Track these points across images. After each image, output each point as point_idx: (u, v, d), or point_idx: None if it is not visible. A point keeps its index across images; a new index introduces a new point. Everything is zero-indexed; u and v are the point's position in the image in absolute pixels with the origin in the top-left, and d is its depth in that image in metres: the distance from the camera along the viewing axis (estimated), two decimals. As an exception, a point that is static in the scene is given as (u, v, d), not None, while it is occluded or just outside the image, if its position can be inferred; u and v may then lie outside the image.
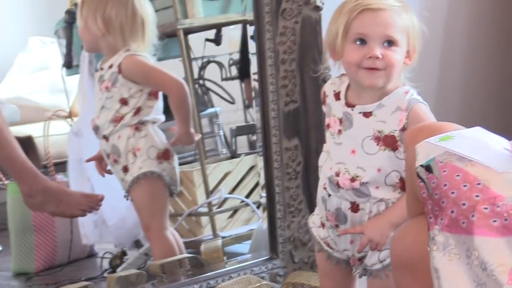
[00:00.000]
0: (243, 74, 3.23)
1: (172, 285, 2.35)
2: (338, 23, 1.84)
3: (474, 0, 3.13)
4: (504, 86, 3.19)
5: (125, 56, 2.41)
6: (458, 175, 1.45)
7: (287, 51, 2.32)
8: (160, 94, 2.49)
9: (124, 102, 2.44)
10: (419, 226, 1.58)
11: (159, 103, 2.50)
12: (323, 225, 2.00)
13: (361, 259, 1.98)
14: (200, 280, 2.36)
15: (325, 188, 1.94)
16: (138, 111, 2.45)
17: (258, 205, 3.00)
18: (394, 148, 1.85)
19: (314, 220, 2.04)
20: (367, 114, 1.88)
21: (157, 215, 2.51)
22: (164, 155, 2.48)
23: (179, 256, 2.47)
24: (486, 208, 1.38)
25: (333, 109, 1.93)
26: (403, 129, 1.84)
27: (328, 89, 1.97)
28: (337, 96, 1.93)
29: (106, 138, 2.49)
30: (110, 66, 2.43)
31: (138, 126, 2.46)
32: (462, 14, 3.13)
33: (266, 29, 2.30)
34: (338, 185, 1.90)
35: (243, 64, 3.18)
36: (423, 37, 1.88)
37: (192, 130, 2.49)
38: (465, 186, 1.42)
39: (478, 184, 1.41)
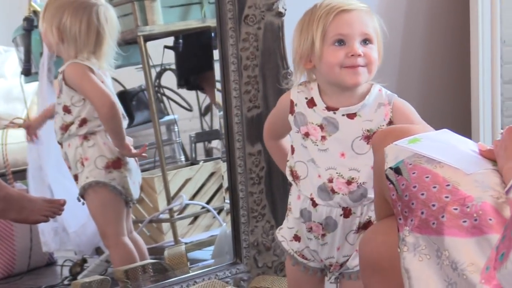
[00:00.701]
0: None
1: (137, 291, 2.33)
2: (312, 30, 1.88)
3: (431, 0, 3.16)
4: (461, 86, 3.22)
5: (69, 63, 2.40)
6: (427, 177, 1.46)
7: (250, 57, 2.33)
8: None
9: (67, 110, 2.42)
10: (387, 228, 1.60)
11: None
12: (296, 238, 2.01)
13: (342, 264, 1.99)
14: (165, 286, 2.36)
15: (312, 199, 1.94)
16: (83, 122, 2.43)
17: (219, 211, 3.00)
18: None
19: (283, 234, 2.04)
20: (351, 116, 1.91)
21: (111, 222, 2.50)
22: (114, 164, 2.46)
23: (143, 262, 2.46)
24: (455, 209, 1.39)
25: (309, 117, 1.94)
26: (390, 122, 1.90)
27: (296, 97, 1.97)
28: (311, 102, 1.94)
29: (60, 144, 2.48)
30: (61, 72, 2.43)
31: (87, 136, 2.44)
32: (420, 15, 3.15)
33: (229, 35, 2.31)
34: (333, 191, 1.90)
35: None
36: (384, 39, 1.92)
37: (127, 142, 2.47)
38: (434, 187, 1.44)
39: (448, 185, 1.43)
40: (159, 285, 2.37)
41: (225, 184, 2.64)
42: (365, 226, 1.94)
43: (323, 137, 1.91)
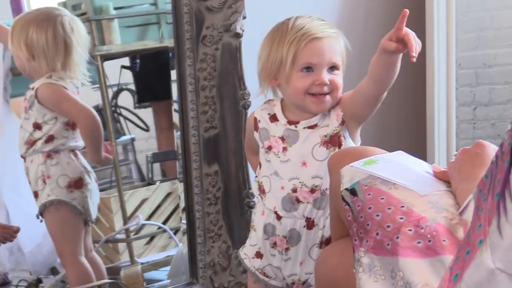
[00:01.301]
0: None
1: (93, 311, 2.33)
2: (281, 52, 1.89)
3: (387, 17, 3.18)
4: (417, 109, 3.25)
5: (43, 82, 2.40)
6: (382, 198, 1.48)
7: (208, 77, 2.33)
8: None
9: (37, 126, 2.42)
10: (343, 248, 1.61)
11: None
12: (258, 255, 2.02)
13: (305, 282, 2.00)
14: (122, 306, 2.35)
15: (275, 212, 1.96)
16: (50, 139, 2.43)
17: (176, 231, 2.99)
18: (340, 145, 1.92)
19: (246, 251, 2.06)
20: (312, 127, 1.94)
21: (69, 241, 2.48)
22: (76, 184, 2.46)
23: (99, 282, 2.46)
24: (410, 230, 1.41)
25: (271, 131, 1.97)
26: (342, 122, 1.93)
27: (259, 114, 2.01)
28: (273, 118, 1.98)
29: (23, 158, 2.47)
30: (32, 88, 2.42)
31: (50, 154, 2.44)
32: (377, 37, 3.18)
33: (187, 56, 2.30)
34: (297, 201, 1.92)
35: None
36: (348, 57, 1.96)
37: (103, 154, 2.50)
38: (389, 208, 1.46)
39: (402, 206, 1.45)
40: (116, 305, 2.35)
41: (182, 204, 2.64)
42: (327, 241, 1.95)
43: (284, 148, 1.94)
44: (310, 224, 1.93)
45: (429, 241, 1.38)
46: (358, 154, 1.62)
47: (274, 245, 1.98)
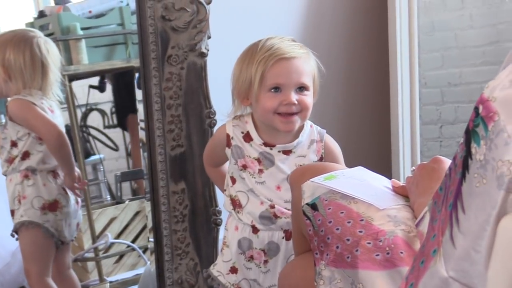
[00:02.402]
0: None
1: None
2: (250, 72, 1.93)
3: (353, 36, 3.21)
4: (382, 127, 3.28)
5: (12, 99, 2.42)
6: (342, 212, 1.50)
7: (173, 96, 2.34)
8: None
9: (13, 144, 2.45)
10: (305, 263, 1.64)
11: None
12: (233, 270, 2.04)
13: None
14: (90, 325, 2.36)
15: (253, 226, 1.98)
16: (26, 155, 2.45)
17: (145, 250, 3.00)
18: None
19: (219, 268, 2.08)
20: (287, 152, 1.98)
21: (37, 262, 2.49)
22: (51, 206, 2.47)
23: (68, 301, 2.46)
24: (369, 243, 1.43)
25: (246, 150, 1.99)
26: (321, 158, 1.99)
27: (231, 131, 2.02)
28: (247, 137, 2.00)
29: (5, 175, 2.49)
30: (6, 108, 2.45)
31: (27, 174, 2.46)
32: (343, 55, 3.21)
33: (153, 75, 2.31)
34: (275, 216, 1.95)
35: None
36: (322, 77, 1.99)
37: (76, 173, 2.51)
38: (349, 222, 1.48)
39: (361, 220, 1.47)
40: (84, 324, 2.36)
41: (150, 224, 2.65)
42: None
43: (260, 170, 1.98)
44: (288, 235, 1.96)
45: (388, 253, 1.40)
46: (319, 170, 1.65)
47: (250, 258, 2.00)
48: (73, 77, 2.90)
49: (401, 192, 1.58)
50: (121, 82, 3.14)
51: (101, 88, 3.23)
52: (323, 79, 3.08)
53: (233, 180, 2.03)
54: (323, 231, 1.50)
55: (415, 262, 1.29)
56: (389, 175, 3.09)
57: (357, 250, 1.43)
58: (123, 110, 3.23)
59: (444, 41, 3.59)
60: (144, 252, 3.01)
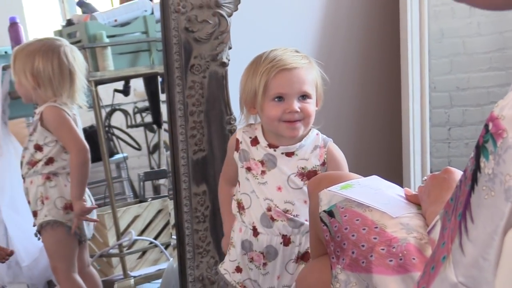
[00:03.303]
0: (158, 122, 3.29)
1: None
2: (255, 83, 1.96)
3: (366, 43, 3.23)
4: (393, 129, 3.29)
5: (48, 105, 2.45)
6: (357, 220, 1.53)
7: (196, 103, 2.36)
8: None
9: (38, 148, 2.48)
10: (322, 266, 1.66)
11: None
12: (238, 269, 2.08)
13: None
14: (115, 319, 2.39)
15: (253, 228, 2.02)
16: (50, 161, 2.48)
17: (167, 246, 3.04)
18: None
19: (226, 267, 2.11)
20: (289, 154, 2.01)
21: (63, 259, 2.53)
22: (72, 206, 2.51)
23: (95, 296, 2.50)
24: (383, 249, 1.46)
25: (252, 153, 2.03)
26: (323, 163, 2.00)
27: (241, 136, 2.06)
28: (255, 141, 2.04)
29: (23, 178, 2.52)
30: (37, 113, 2.48)
31: (49, 176, 2.49)
32: (356, 60, 3.22)
33: (176, 83, 2.34)
34: (272, 219, 1.98)
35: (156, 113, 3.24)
36: (325, 85, 2.01)
37: (84, 201, 2.50)
38: (364, 229, 1.51)
39: (376, 227, 1.50)
40: (110, 318, 2.40)
41: (172, 221, 2.69)
42: (303, 256, 2.02)
43: (263, 172, 2.01)
44: (286, 241, 2.00)
45: (401, 259, 1.43)
46: (335, 179, 1.68)
47: (251, 260, 2.04)
48: (99, 82, 2.94)
49: (414, 201, 1.60)
50: (154, 86, 3.18)
51: (125, 92, 3.28)
52: (339, 84, 3.13)
53: (239, 183, 2.07)
54: (339, 237, 1.53)
55: (426, 268, 1.32)
56: (400, 176, 3.14)
57: (371, 256, 1.46)
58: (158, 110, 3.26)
59: (452, 48, 3.61)
60: (166, 248, 3.05)
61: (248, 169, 2.03)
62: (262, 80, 1.94)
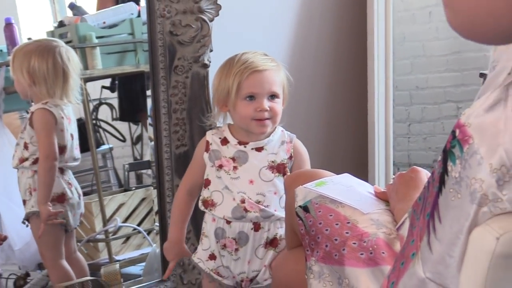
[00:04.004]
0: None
1: (76, 306, 2.33)
2: (228, 83, 1.95)
3: (336, 46, 3.22)
4: (359, 125, 3.29)
5: (39, 107, 2.40)
6: (331, 215, 1.52)
7: (179, 101, 2.34)
8: (69, 145, 2.47)
9: (25, 146, 2.43)
10: (296, 257, 1.65)
11: (71, 153, 2.50)
12: (211, 257, 2.06)
13: (252, 279, 2.04)
14: (102, 301, 2.36)
15: (226, 220, 1.99)
16: (36, 161, 2.43)
17: (149, 232, 3.01)
18: (284, 173, 1.99)
19: (199, 256, 2.09)
20: (259, 149, 2.00)
21: (49, 247, 2.49)
22: (59, 199, 2.46)
23: (82, 279, 2.46)
24: (354, 243, 1.45)
25: (223, 152, 2.01)
26: (291, 157, 2.00)
27: (211, 138, 2.05)
28: (224, 141, 2.02)
29: (16, 169, 2.48)
30: (29, 113, 2.43)
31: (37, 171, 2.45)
32: (324, 60, 3.21)
33: (161, 83, 2.31)
34: (246, 210, 1.96)
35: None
36: (290, 86, 2.01)
37: (49, 205, 2.42)
38: (337, 224, 1.50)
39: (348, 223, 1.49)
40: (97, 300, 2.37)
41: (155, 209, 2.66)
42: (271, 242, 2.01)
43: (235, 167, 1.99)
44: (257, 227, 1.99)
45: (371, 253, 1.42)
46: (310, 176, 1.66)
47: (224, 246, 2.02)
48: (88, 80, 2.90)
49: (382, 197, 1.59)
50: (133, 83, 3.14)
51: (112, 88, 3.23)
52: (311, 84, 3.12)
53: (208, 182, 2.03)
54: (313, 231, 1.52)
55: (396, 263, 1.31)
56: (365, 167, 3.14)
57: (344, 249, 1.45)
58: (133, 107, 3.22)
59: (413, 50, 3.62)
60: (148, 234, 3.02)
61: (220, 166, 2.01)
62: (235, 81, 1.94)
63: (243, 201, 1.97)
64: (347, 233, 1.47)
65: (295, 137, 2.06)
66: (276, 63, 2.00)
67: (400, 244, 1.39)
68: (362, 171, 3.18)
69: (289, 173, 1.98)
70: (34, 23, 3.10)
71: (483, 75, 2.41)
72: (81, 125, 2.98)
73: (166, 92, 2.33)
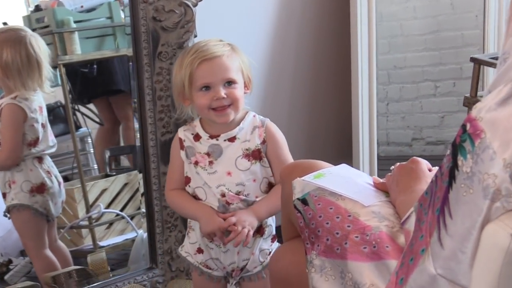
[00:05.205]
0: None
1: (65, 296, 2.28)
2: (181, 75, 1.88)
3: (319, 26, 3.18)
4: (344, 104, 3.28)
5: (7, 102, 2.31)
6: (331, 208, 1.47)
7: (163, 88, 2.28)
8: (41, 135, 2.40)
9: None
10: (294, 248, 1.60)
11: (44, 143, 2.43)
12: (199, 250, 2.00)
13: (242, 268, 1.99)
14: (90, 290, 2.31)
15: None
16: None
17: (132, 217, 2.96)
18: (260, 159, 1.92)
19: (187, 250, 2.03)
20: (232, 139, 1.93)
21: (32, 238, 2.46)
22: (38, 189, 2.41)
23: (69, 268, 2.43)
24: (357, 237, 1.40)
25: (196, 148, 1.94)
26: (263, 142, 1.93)
27: (183, 135, 1.98)
28: (197, 137, 1.95)
29: None
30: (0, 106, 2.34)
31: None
32: (308, 50, 3.19)
33: (145, 70, 2.25)
34: (227, 203, 1.91)
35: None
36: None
37: None
38: (337, 217, 1.44)
39: (349, 216, 1.44)
40: (85, 289, 2.31)
41: (143, 199, 2.61)
42: (258, 230, 1.97)
43: (210, 162, 1.93)
44: None
45: (374, 247, 1.37)
46: (307, 168, 1.60)
47: (211, 240, 1.95)
48: (67, 65, 2.83)
49: (381, 188, 1.54)
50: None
51: (91, 73, 3.16)
52: (294, 66, 3.09)
53: (188, 179, 1.97)
54: (313, 224, 1.46)
55: (404, 259, 1.26)
56: (350, 146, 3.13)
57: (346, 243, 1.40)
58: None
59: (391, 30, 3.57)
60: (131, 219, 2.97)
61: (196, 163, 1.94)
62: (186, 72, 1.87)
63: (223, 195, 1.92)
64: (348, 226, 1.41)
65: (269, 120, 1.97)
66: (230, 47, 1.91)
67: (405, 238, 1.35)
68: (346, 150, 3.17)
69: (264, 158, 1.92)
70: (8, 7, 3.00)
71: (474, 60, 2.36)
72: (57, 108, 2.92)
73: (150, 79, 2.27)
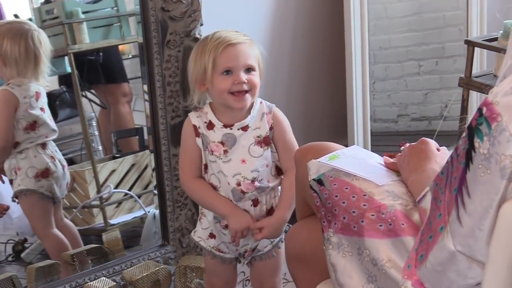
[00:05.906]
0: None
1: (84, 272, 2.29)
2: (204, 60, 1.82)
3: (314, 10, 3.17)
4: (339, 83, 3.28)
5: (1, 88, 2.29)
6: (346, 188, 1.45)
7: (172, 75, 2.25)
8: (44, 118, 2.37)
9: None
10: (309, 226, 1.59)
11: (45, 128, 2.39)
12: (211, 235, 1.96)
13: (254, 249, 1.97)
14: (108, 267, 2.31)
15: None
16: (17, 144, 2.34)
17: (139, 196, 2.95)
18: (269, 145, 1.88)
19: (199, 235, 1.99)
20: (245, 128, 1.88)
21: (39, 220, 2.43)
22: (43, 174, 2.38)
23: (86, 247, 2.41)
24: (373, 215, 1.39)
25: (210, 137, 1.88)
26: (271, 128, 1.88)
27: (197, 122, 1.90)
28: (210, 125, 1.89)
29: None
30: None
31: (20, 150, 2.34)
32: (304, 45, 3.18)
33: (155, 57, 2.23)
34: (242, 192, 1.87)
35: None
36: (267, 59, 1.92)
37: None
38: (353, 197, 1.43)
39: (364, 195, 1.42)
40: (102, 266, 2.31)
41: (153, 179, 2.59)
42: (268, 212, 1.92)
43: (225, 151, 1.86)
44: (255, 202, 1.90)
45: (390, 224, 1.36)
46: (321, 150, 1.59)
47: (225, 226, 1.92)
48: (76, 54, 2.80)
49: (393, 168, 1.53)
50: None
51: (97, 60, 3.12)
52: (291, 51, 3.07)
53: (206, 167, 1.91)
54: (330, 203, 1.45)
55: (423, 236, 1.25)
56: (345, 122, 3.14)
57: (362, 221, 1.39)
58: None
59: (376, 12, 3.54)
60: (139, 197, 2.96)
61: (211, 152, 1.88)
62: (210, 57, 1.81)
63: (238, 184, 1.87)
64: (364, 205, 1.40)
65: (275, 106, 1.93)
66: (248, 37, 1.87)
67: (421, 216, 1.34)
68: (341, 127, 3.17)
69: (272, 144, 1.88)
70: (19, 1, 2.97)
71: (469, 42, 2.34)
72: (63, 94, 2.89)
73: (160, 66, 2.25)
